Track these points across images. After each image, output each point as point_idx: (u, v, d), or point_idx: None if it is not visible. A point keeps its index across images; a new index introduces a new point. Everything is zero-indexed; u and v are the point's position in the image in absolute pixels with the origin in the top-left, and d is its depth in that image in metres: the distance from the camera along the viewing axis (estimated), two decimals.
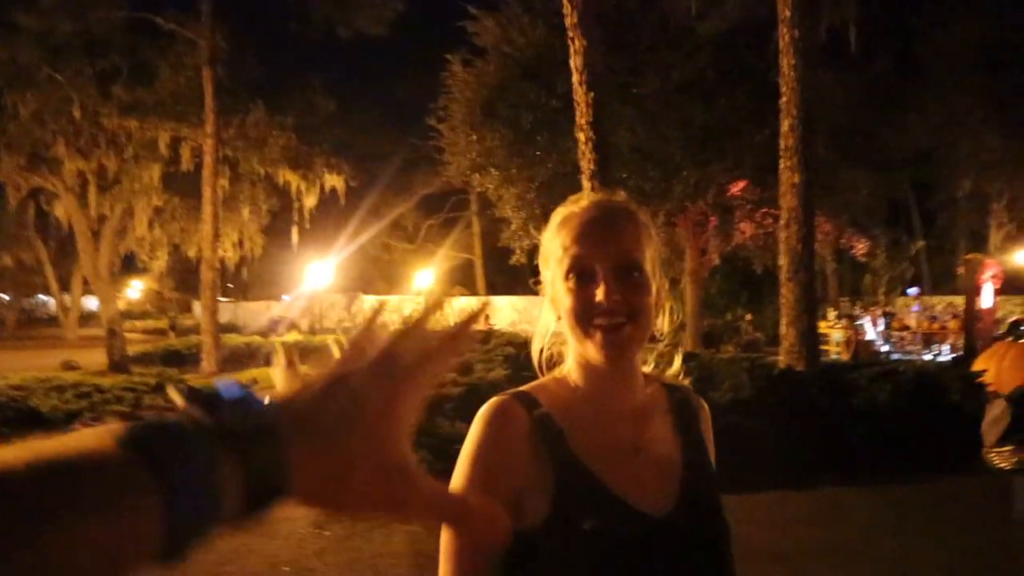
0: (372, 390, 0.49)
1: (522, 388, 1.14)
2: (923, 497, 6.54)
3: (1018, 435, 3.27)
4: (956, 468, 7.43)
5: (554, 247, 1.10)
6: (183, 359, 17.98)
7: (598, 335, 1.04)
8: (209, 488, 0.41)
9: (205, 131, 16.25)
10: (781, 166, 9.15)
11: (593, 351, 1.05)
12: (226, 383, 0.45)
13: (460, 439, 4.73)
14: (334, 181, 20.18)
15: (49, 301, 42.57)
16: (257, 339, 21.63)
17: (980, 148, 16.31)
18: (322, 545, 5.34)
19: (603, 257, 1.05)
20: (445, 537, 1.02)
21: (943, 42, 15.28)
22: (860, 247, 18.08)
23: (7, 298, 40.15)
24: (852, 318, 21.09)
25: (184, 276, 33.49)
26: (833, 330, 18.80)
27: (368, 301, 32.22)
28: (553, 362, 1.19)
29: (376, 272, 37.51)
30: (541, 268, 1.16)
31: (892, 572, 4.67)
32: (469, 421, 4.91)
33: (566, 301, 1.06)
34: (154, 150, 17.03)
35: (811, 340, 9.24)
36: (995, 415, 3.48)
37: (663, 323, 1.16)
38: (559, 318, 1.11)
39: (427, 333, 0.54)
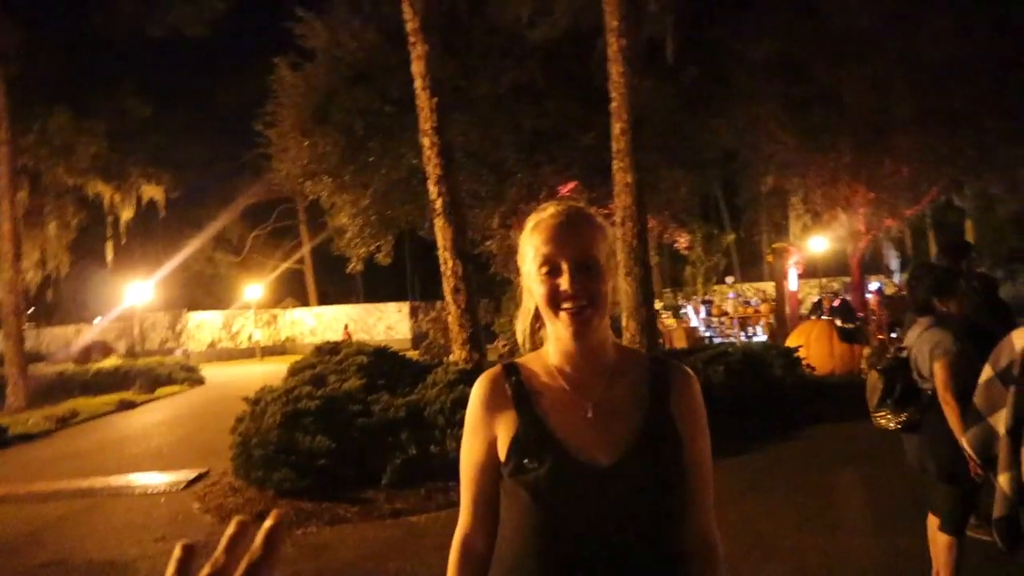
0: None
1: (513, 360, 1.45)
2: (760, 465, 7.17)
3: (889, 400, 3.72)
4: (786, 435, 8.23)
5: (528, 247, 1.36)
6: None
7: (565, 316, 1.30)
8: None
9: None
10: (614, 167, 9.64)
11: (562, 329, 1.32)
12: None
13: (322, 454, 4.72)
14: (152, 192, 18.89)
15: None
16: (70, 367, 19.77)
17: (778, 149, 17.99)
18: None
19: (567, 254, 1.31)
20: (462, 465, 1.41)
21: (746, 54, 16.75)
22: (682, 241, 19.37)
23: None
24: (677, 308, 22.59)
25: None
26: (662, 320, 20.02)
27: (194, 319, 30.33)
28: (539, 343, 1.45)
29: (200, 288, 35.37)
30: (520, 265, 1.41)
31: (739, 535, 5.09)
32: (328, 434, 4.95)
33: (540, 289, 1.33)
34: None
35: (650, 330, 9.82)
36: (871, 384, 3.92)
37: (612, 298, 1.37)
38: (537, 305, 1.37)
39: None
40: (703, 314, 22.25)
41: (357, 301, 37.01)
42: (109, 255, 21.17)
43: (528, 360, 1.42)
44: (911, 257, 26.72)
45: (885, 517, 5.33)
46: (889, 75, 15.84)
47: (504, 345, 20.74)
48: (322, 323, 33.53)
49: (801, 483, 6.47)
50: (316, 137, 15.56)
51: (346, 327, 30.57)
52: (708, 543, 1.39)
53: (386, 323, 33.38)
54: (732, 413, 8.25)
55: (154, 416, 14.63)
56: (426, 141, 8.44)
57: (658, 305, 22.62)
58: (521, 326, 1.45)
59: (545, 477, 1.26)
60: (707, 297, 24.19)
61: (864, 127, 16.50)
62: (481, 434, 1.37)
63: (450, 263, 8.67)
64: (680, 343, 16.86)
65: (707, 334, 20.69)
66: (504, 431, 1.34)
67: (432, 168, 8.45)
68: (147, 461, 9.59)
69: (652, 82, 13.77)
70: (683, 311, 22.70)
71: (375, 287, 38.38)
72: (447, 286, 8.74)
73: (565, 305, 1.30)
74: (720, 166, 20.19)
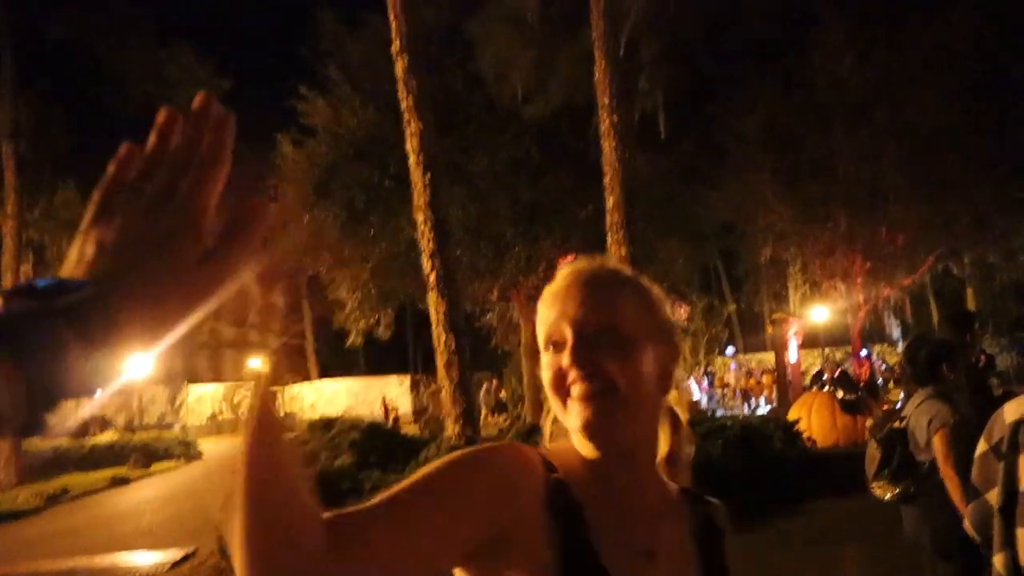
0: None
1: (542, 448, 1.01)
2: (760, 541, 6.97)
3: (886, 471, 3.65)
4: (786, 510, 8.01)
5: (539, 318, 1.01)
6: None
7: (574, 404, 0.92)
8: (58, 354, 0.45)
9: (5, 211, 14.79)
10: (608, 240, 9.73)
11: (573, 420, 0.93)
12: (40, 278, 0.48)
13: None
14: None
15: None
16: (65, 442, 19.51)
17: (774, 220, 18.18)
18: None
19: (574, 320, 0.94)
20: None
21: (738, 127, 17.12)
22: (681, 313, 19.37)
23: None
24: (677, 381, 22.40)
25: None
26: None
27: (194, 392, 30.18)
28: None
29: (202, 359, 35.22)
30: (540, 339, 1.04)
31: None
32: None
33: (544, 373, 0.96)
34: None
35: None
36: (869, 455, 3.86)
37: (674, 399, 1.04)
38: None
39: None
40: (705, 385, 22.08)
41: (359, 374, 36.81)
42: None
43: (558, 455, 0.97)
44: (912, 326, 26.64)
45: None
46: (879, 143, 16.14)
47: (505, 419, 20.50)
48: (323, 398, 33.30)
49: (804, 560, 6.28)
50: (317, 212, 15.82)
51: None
52: None
53: (388, 397, 33.13)
54: (732, 488, 8.08)
55: (147, 493, 14.38)
56: (420, 216, 8.55)
57: None
58: (547, 424, 1.05)
59: None
60: (709, 369, 24.04)
61: (857, 196, 16.71)
62: (471, 518, 0.85)
63: (443, 337, 8.66)
64: (682, 415, 16.66)
65: (709, 406, 20.48)
66: (522, 541, 0.87)
67: (426, 242, 8.55)
68: (136, 539, 9.38)
69: (646, 156, 14.04)
70: (684, 384, 22.52)
71: (377, 360, 38.25)
72: (440, 361, 8.71)
73: (573, 392, 0.92)
74: (718, 237, 20.40)
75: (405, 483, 0.84)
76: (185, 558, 7.94)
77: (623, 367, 0.92)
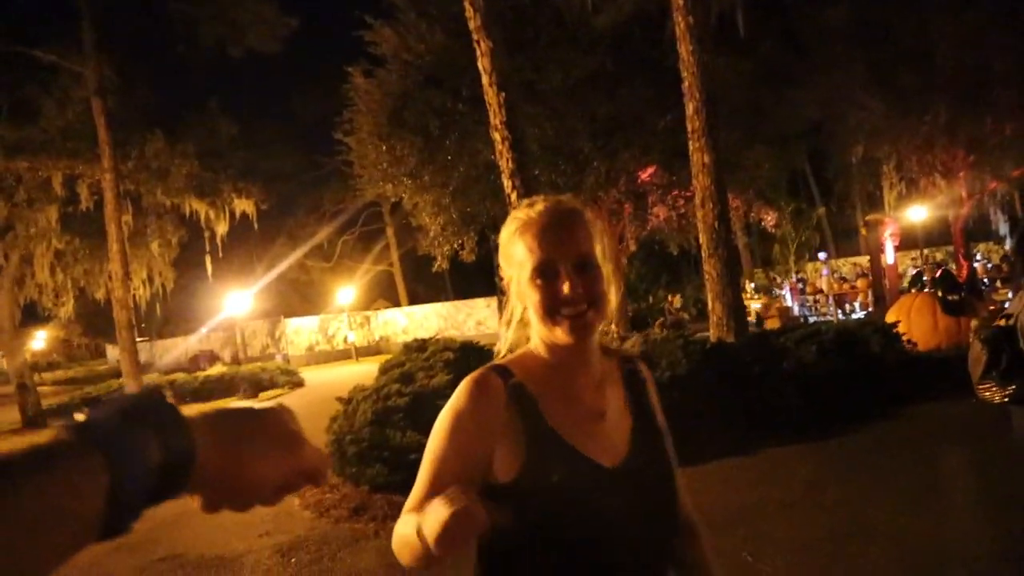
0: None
1: (498, 362, 1.32)
2: (858, 446, 6.90)
3: (994, 372, 3.53)
4: (886, 414, 7.86)
5: (517, 249, 1.26)
6: None
7: (566, 323, 1.21)
8: (145, 464, 0.49)
9: (102, 166, 15.55)
10: (691, 148, 9.45)
11: (562, 335, 1.22)
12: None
13: (412, 449, 4.75)
14: (244, 206, 19.68)
15: None
16: (180, 376, 20.88)
17: (866, 117, 17.17)
18: (290, 572, 5.24)
19: (563, 256, 1.22)
20: (429, 473, 1.22)
21: (823, 21, 16.06)
22: (769, 219, 18.81)
23: None
24: (769, 288, 21.94)
25: (93, 320, 31.98)
26: (753, 300, 19.53)
27: (291, 325, 31.56)
28: (513, 346, 1.36)
29: (296, 294, 36.73)
30: (503, 266, 1.31)
31: (841, 518, 4.91)
32: (418, 430, 4.93)
33: (534, 296, 1.23)
34: (48, 191, 16.21)
35: (738, 312, 9.59)
36: (974, 356, 3.73)
37: (613, 302, 1.30)
38: (525, 308, 1.29)
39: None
40: (797, 292, 21.54)
41: (447, 299, 37.54)
42: (209, 268, 22.20)
43: (517, 361, 1.30)
44: (1022, 220, 25.04)
45: (994, 498, 5.04)
46: (983, 29, 14.84)
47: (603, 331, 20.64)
48: (414, 322, 34.23)
49: (903, 464, 6.18)
50: (393, 141, 15.90)
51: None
52: (692, 524, 1.43)
53: (476, 319, 33.76)
54: (827, 393, 7.98)
55: None
56: (497, 136, 8.49)
57: (749, 287, 22.08)
58: (504, 333, 1.36)
59: (565, 485, 1.18)
60: (800, 275, 23.40)
61: (959, 85, 15.52)
62: (471, 447, 1.21)
63: None
64: (773, 323, 16.38)
65: (802, 313, 20.03)
66: (506, 442, 1.21)
67: (505, 163, 8.50)
68: None
69: (726, 58, 13.41)
70: (775, 292, 22.04)
71: (464, 284, 38.89)
72: None
73: (565, 311, 1.21)
74: (805, 139, 19.45)
75: (425, 455, 1.25)
76: None
77: (600, 290, 1.23)
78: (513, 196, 8.63)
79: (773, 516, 5.10)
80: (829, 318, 18.30)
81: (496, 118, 8.41)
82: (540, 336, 1.28)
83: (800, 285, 22.00)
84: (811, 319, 18.64)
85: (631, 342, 1.52)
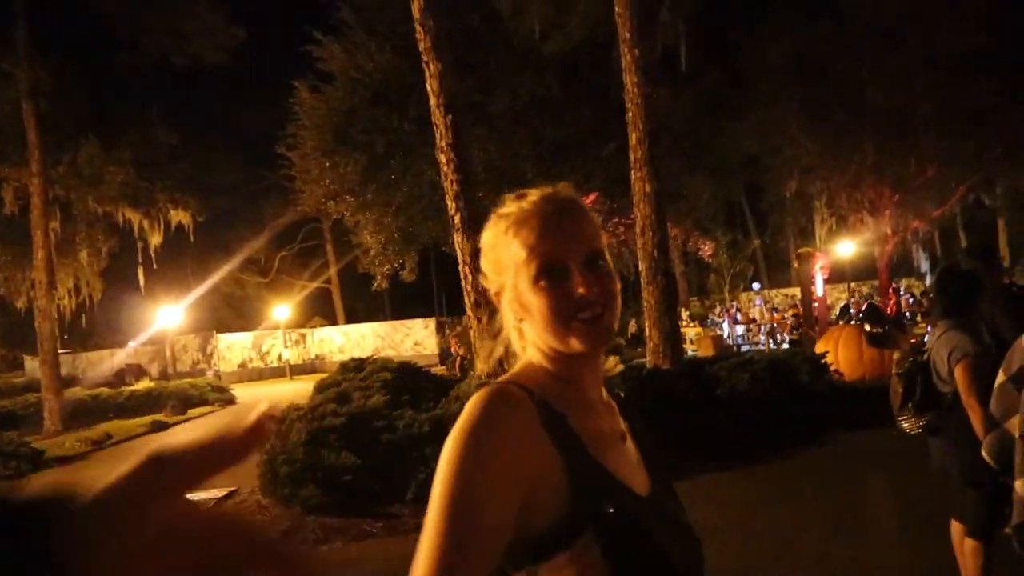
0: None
1: (506, 377, 1.07)
2: (789, 471, 7.09)
3: (910, 404, 3.69)
4: (814, 441, 8.10)
5: (513, 250, 1.04)
6: (19, 420, 16.39)
7: (582, 329, 1.00)
8: None
9: (30, 170, 14.96)
10: (633, 177, 9.64)
11: (577, 344, 1.01)
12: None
13: (347, 470, 4.64)
14: (180, 217, 19.21)
15: None
16: (104, 391, 20.08)
17: (800, 152, 17.84)
18: None
19: (572, 252, 1.02)
20: (456, 525, 0.89)
21: (762, 57, 16.69)
22: (706, 249, 19.27)
23: None
24: (704, 317, 22.41)
25: (11, 330, 30.53)
26: (688, 329, 19.91)
27: (224, 340, 30.76)
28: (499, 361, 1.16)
29: (230, 309, 35.85)
30: (489, 274, 1.11)
31: (770, 542, 5.04)
32: (353, 451, 4.79)
33: (539, 302, 1.01)
34: None
35: (674, 339, 9.77)
36: (892, 388, 3.90)
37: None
38: (521, 320, 1.07)
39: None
40: (729, 322, 22.08)
41: (385, 318, 37.20)
42: (141, 280, 21.54)
43: (525, 377, 1.06)
44: (940, 258, 26.29)
45: (914, 523, 5.24)
46: (910, 72, 15.65)
47: None
48: (350, 341, 33.77)
49: (829, 490, 6.38)
50: (337, 157, 15.79)
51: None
52: None
53: (413, 339, 33.51)
54: (758, 421, 8.19)
55: (186, 437, 14.81)
56: (443, 157, 8.51)
57: (685, 315, 22.53)
58: (495, 352, 1.16)
59: (619, 519, 0.97)
60: (734, 304, 24.01)
61: (887, 127, 16.31)
62: (516, 475, 0.93)
63: (470, 277, 8.70)
64: (706, 351, 16.72)
65: (735, 342, 20.51)
66: (545, 471, 0.95)
67: (449, 184, 8.52)
68: None
69: (669, 90, 13.78)
70: (711, 321, 22.54)
71: (403, 304, 38.60)
72: (468, 300, 8.78)
73: (582, 315, 1.00)
74: (742, 171, 20.10)
75: (439, 509, 0.89)
76: (227, 496, 8.22)
77: (615, 288, 1.04)
78: (456, 218, 8.65)
79: (706, 542, 5.16)
80: (761, 347, 18.79)
81: (442, 140, 8.44)
82: (544, 347, 1.05)
83: (735, 314, 22.57)
84: (744, 348, 19.11)
85: (610, 365, 1.25)
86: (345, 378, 9.49)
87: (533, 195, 1.06)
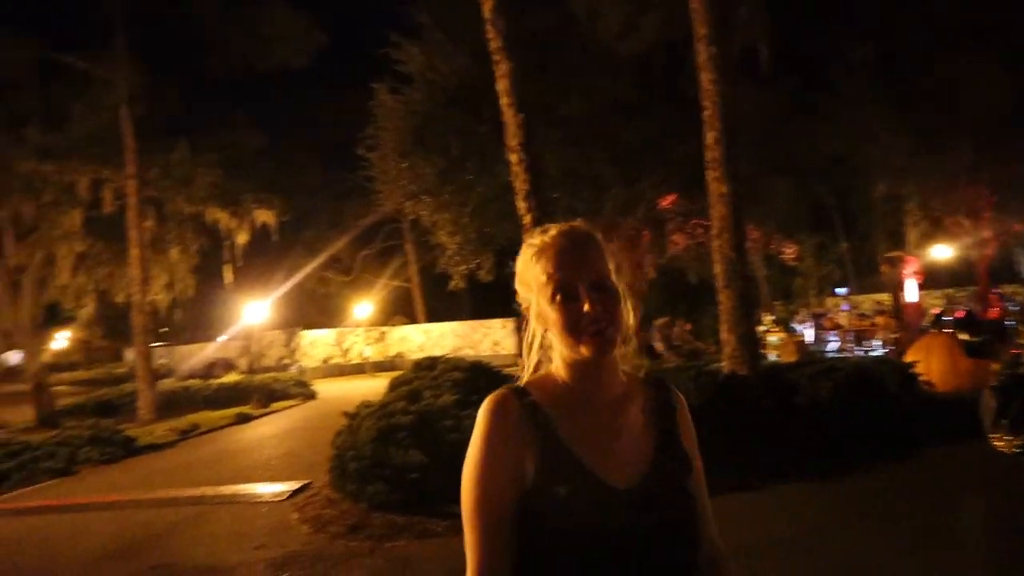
0: None
1: (518, 384, 1.36)
2: (868, 488, 6.74)
3: (1005, 421, 3.43)
4: (898, 456, 7.68)
5: (535, 273, 1.31)
6: (117, 409, 17.28)
7: (589, 340, 1.25)
8: None
9: (126, 172, 15.79)
10: (708, 177, 9.39)
11: (586, 351, 1.26)
12: None
13: (414, 468, 4.70)
14: (265, 217, 19.87)
15: None
16: (195, 383, 20.98)
17: (890, 153, 17.01)
18: None
19: (581, 277, 1.27)
20: (470, 503, 1.25)
21: (850, 56, 15.97)
22: (789, 252, 18.64)
23: None
24: (787, 321, 21.71)
25: (113, 323, 32.25)
26: (770, 334, 19.31)
27: (307, 337, 31.67)
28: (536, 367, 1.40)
29: (313, 306, 36.83)
30: (521, 292, 1.37)
31: (844, 563, 4.79)
32: (421, 449, 4.89)
33: (556, 317, 1.27)
34: (74, 194, 16.45)
35: (751, 344, 9.46)
36: (984, 404, 3.65)
37: (630, 318, 1.34)
38: (545, 330, 1.33)
39: None
40: (815, 327, 21.30)
41: (465, 318, 37.53)
42: (228, 277, 22.38)
43: (536, 382, 1.35)
44: None
45: (1000, 550, 4.89)
46: (1010, 68, 14.69)
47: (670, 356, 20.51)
48: (430, 339, 34.25)
49: (912, 509, 6.03)
50: (415, 159, 15.97)
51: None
52: (719, 554, 1.42)
53: (492, 339, 33.75)
54: (840, 431, 7.83)
55: (267, 429, 15.31)
56: (514, 158, 8.49)
57: (767, 319, 21.85)
58: (528, 356, 1.40)
59: (573, 501, 1.21)
60: (819, 309, 23.14)
61: (984, 126, 15.34)
62: (503, 464, 1.25)
63: None
64: (789, 357, 16.17)
65: (820, 348, 19.77)
66: (526, 458, 1.25)
67: (520, 184, 8.50)
68: (256, 472, 10.03)
69: (748, 89, 13.36)
70: (794, 326, 21.80)
71: (482, 303, 38.83)
72: None
73: (589, 330, 1.25)
74: (828, 173, 19.31)
75: (466, 485, 1.27)
76: (300, 489, 8.43)
77: (618, 308, 1.28)
78: (527, 218, 8.62)
79: (772, 555, 4.97)
80: (846, 354, 18.04)
81: (513, 139, 8.42)
82: (562, 356, 1.33)
83: (820, 320, 21.75)
84: (829, 355, 18.40)
85: (639, 366, 1.59)
86: (417, 376, 9.55)
87: (553, 230, 1.34)
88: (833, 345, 20.40)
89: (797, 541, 5.25)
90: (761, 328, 19.78)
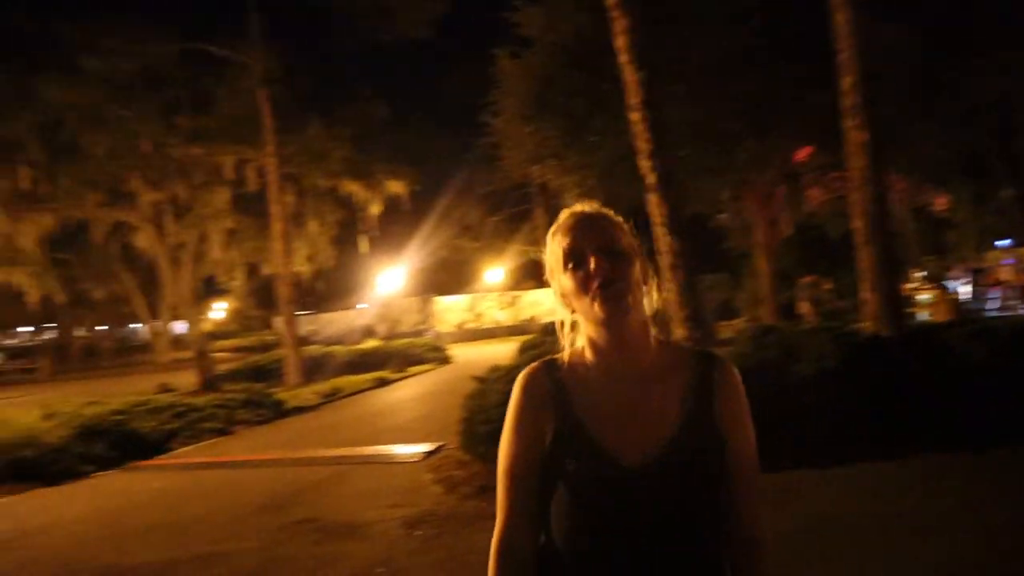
0: None
1: (553, 356, 1.44)
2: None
3: None
4: None
5: (554, 249, 1.40)
6: (268, 374, 18.54)
7: (596, 295, 1.30)
8: None
9: (266, 151, 16.71)
10: (846, 125, 8.78)
11: (597, 310, 1.30)
12: None
13: None
14: (396, 187, 20.48)
15: (142, 328, 44.53)
16: (338, 348, 22.14)
17: None
18: (414, 546, 5.41)
19: (589, 242, 1.34)
20: (501, 465, 1.40)
21: None
22: (940, 203, 17.23)
23: (104, 329, 42.04)
24: (940, 278, 20.19)
25: (263, 293, 34.55)
26: (921, 292, 18.04)
27: (441, 303, 32.64)
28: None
29: (446, 273, 37.84)
30: (549, 279, 1.44)
31: (994, 544, 4.41)
32: None
33: (569, 282, 1.34)
34: (221, 175, 17.60)
35: (895, 303, 8.85)
36: None
37: (652, 290, 1.40)
38: (570, 309, 1.40)
39: None
40: (973, 283, 19.66)
41: None
42: (364, 247, 23.36)
43: (570, 359, 1.41)
44: None
45: None
46: None
47: (747, 320, 19.91)
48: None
49: None
50: (538, 122, 15.90)
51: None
52: (752, 539, 1.38)
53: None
54: (996, 399, 7.19)
55: (404, 393, 15.97)
56: (634, 116, 8.27)
57: (917, 276, 20.39)
58: (561, 332, 1.46)
59: (581, 476, 1.28)
60: (978, 264, 21.31)
61: None
62: (525, 431, 1.37)
63: (665, 240, 8.45)
64: (942, 316, 15.03)
65: (978, 306, 18.26)
66: (547, 429, 1.34)
67: (642, 143, 8.27)
68: (392, 434, 10.50)
69: (892, 25, 12.30)
70: (948, 283, 20.21)
71: None
72: (664, 263, 8.53)
73: (593, 284, 1.30)
74: (987, 115, 17.55)
75: (500, 448, 1.43)
76: (434, 451, 8.75)
77: (628, 269, 1.33)
78: (651, 179, 8.40)
79: (915, 532, 4.66)
80: (1009, 313, 16.56)
81: (634, 98, 8.19)
82: (586, 334, 1.38)
83: (979, 276, 20.05)
84: (990, 313, 16.94)
85: (719, 351, 1.56)
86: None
87: (565, 212, 1.43)
88: (994, 303, 18.77)
89: (945, 519, 4.89)
90: (910, 286, 18.50)
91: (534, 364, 1.43)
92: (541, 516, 1.37)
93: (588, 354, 1.38)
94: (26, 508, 7.68)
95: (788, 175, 16.54)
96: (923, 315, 16.48)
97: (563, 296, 1.40)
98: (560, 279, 1.38)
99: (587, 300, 1.31)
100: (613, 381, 1.35)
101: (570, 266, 1.34)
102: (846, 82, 8.57)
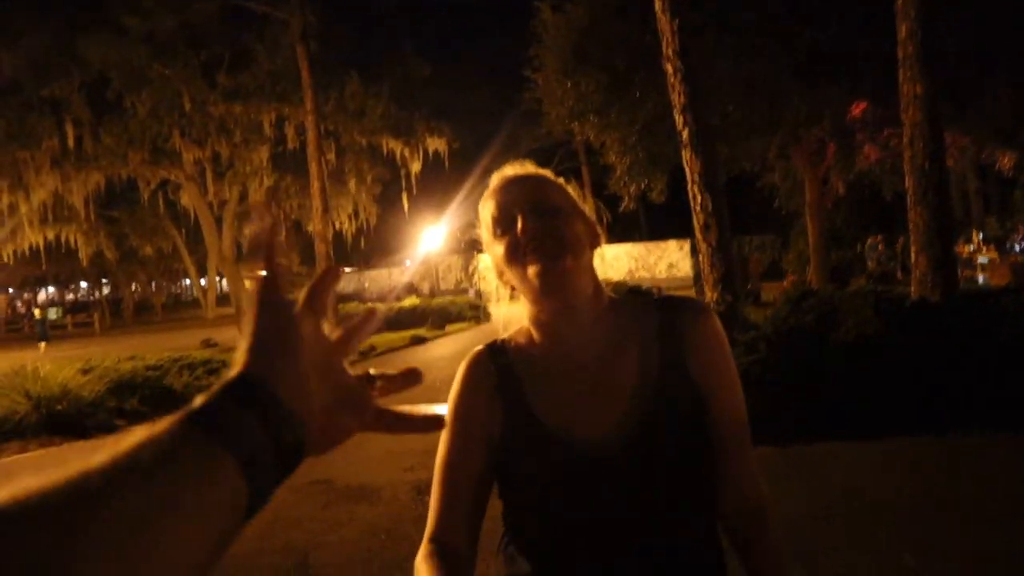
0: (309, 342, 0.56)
1: (499, 338, 1.26)
2: None
3: None
4: None
5: (484, 220, 1.21)
6: None
7: (532, 261, 1.11)
8: (266, 452, 0.50)
9: (305, 108, 16.60)
10: (900, 77, 8.22)
11: (531, 276, 1.11)
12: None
13: None
14: (436, 144, 20.26)
15: (191, 285, 45.63)
16: (378, 305, 22.20)
17: None
18: (421, 511, 5.31)
19: (519, 202, 1.15)
20: (437, 460, 1.22)
21: None
22: (1006, 161, 16.28)
23: (156, 285, 43.19)
24: (1003, 241, 19.28)
25: (307, 251, 34.96)
26: (980, 254, 17.22)
27: (484, 260, 32.56)
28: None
29: None
30: (486, 251, 1.24)
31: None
32: None
33: (499, 249, 1.15)
34: (261, 132, 17.60)
35: (946, 267, 8.35)
36: None
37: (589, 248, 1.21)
38: (510, 286, 1.22)
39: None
40: None
41: (640, 239, 36.86)
42: (405, 205, 23.29)
43: (516, 336, 1.24)
44: None
45: None
46: None
47: (792, 281, 19.36)
48: (604, 262, 33.25)
49: None
50: (578, 77, 15.48)
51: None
52: (751, 504, 1.20)
53: (668, 261, 33.04)
54: None
55: (439, 351, 15.94)
56: (669, 67, 7.85)
57: (977, 237, 19.46)
58: (496, 309, 1.30)
59: (533, 472, 1.13)
60: None
61: None
62: (464, 425, 1.19)
63: (699, 198, 8.08)
64: (999, 280, 14.32)
65: None
66: (495, 423, 1.17)
67: (676, 96, 7.87)
68: (420, 394, 10.29)
69: None
70: (1011, 245, 19.26)
71: (658, 225, 37.96)
72: (696, 222, 8.19)
73: (528, 248, 1.11)
74: None
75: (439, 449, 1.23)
76: None
77: (566, 229, 1.13)
78: (685, 133, 8.01)
79: (949, 515, 4.34)
80: None
81: (668, 47, 7.77)
82: (527, 310, 1.21)
83: None
84: None
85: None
86: None
87: (497, 173, 1.25)
88: None
89: (983, 502, 4.56)
90: (969, 247, 17.66)
91: (477, 349, 1.26)
92: (479, 522, 1.20)
93: (534, 333, 1.21)
94: (55, 462, 7.83)
95: (840, 132, 15.80)
96: (981, 278, 15.73)
97: (499, 270, 1.22)
98: (493, 249, 1.19)
99: (520, 268, 1.12)
100: (563, 358, 1.17)
101: (498, 232, 1.16)
102: (902, 30, 8.00)
